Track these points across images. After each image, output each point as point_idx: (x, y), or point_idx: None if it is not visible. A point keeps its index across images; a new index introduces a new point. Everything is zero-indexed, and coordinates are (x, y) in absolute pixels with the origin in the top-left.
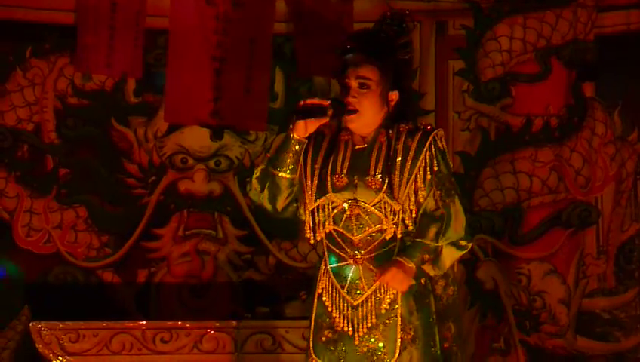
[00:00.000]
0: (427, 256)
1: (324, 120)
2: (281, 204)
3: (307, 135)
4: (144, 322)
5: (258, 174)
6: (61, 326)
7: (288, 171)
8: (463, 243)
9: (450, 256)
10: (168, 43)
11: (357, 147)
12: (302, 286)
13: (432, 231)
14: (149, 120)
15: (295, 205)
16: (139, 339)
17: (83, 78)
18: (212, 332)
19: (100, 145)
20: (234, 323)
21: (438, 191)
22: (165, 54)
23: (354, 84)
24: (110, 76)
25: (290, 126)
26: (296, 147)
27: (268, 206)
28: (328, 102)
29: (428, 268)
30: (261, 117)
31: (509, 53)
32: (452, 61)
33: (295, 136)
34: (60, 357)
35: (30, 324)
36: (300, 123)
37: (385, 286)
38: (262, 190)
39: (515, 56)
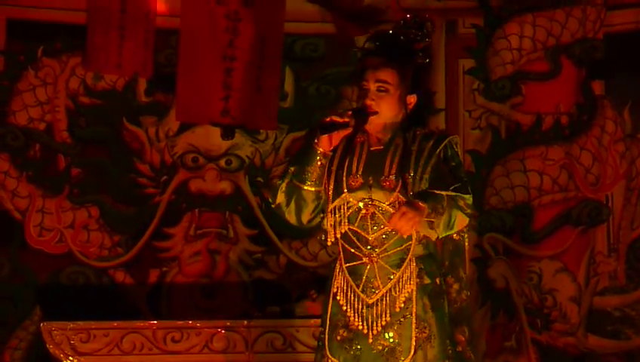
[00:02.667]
0: (440, 206)
1: (347, 130)
2: (307, 216)
3: (332, 148)
4: (155, 322)
5: (284, 188)
6: (72, 326)
7: (314, 184)
8: (467, 209)
9: (451, 216)
10: (179, 42)
11: (372, 148)
12: (312, 286)
13: (441, 188)
14: (160, 119)
15: (321, 216)
16: (149, 339)
17: (94, 77)
18: (223, 331)
19: (112, 145)
20: (245, 322)
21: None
22: (176, 54)
23: (373, 87)
24: (121, 76)
25: (315, 140)
26: (322, 160)
27: (293, 219)
28: (349, 112)
29: (438, 226)
30: (272, 116)
31: (519, 52)
32: (462, 60)
33: (320, 150)
34: (70, 357)
35: (41, 324)
36: (325, 137)
37: (400, 284)
38: (288, 204)
39: (525, 55)
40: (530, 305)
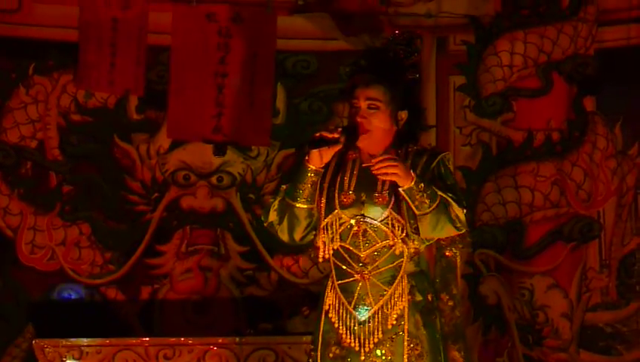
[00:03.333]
0: (431, 192)
1: (338, 147)
2: (299, 234)
3: (323, 165)
4: (147, 338)
5: (277, 206)
6: (64, 343)
7: (306, 202)
8: (458, 223)
9: (438, 219)
10: (170, 59)
11: (364, 165)
12: (304, 302)
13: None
14: (151, 136)
15: (313, 233)
16: (142, 356)
17: (85, 95)
18: (215, 348)
19: (103, 162)
20: (237, 339)
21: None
22: (167, 71)
23: (363, 104)
24: (112, 93)
25: (306, 157)
26: (313, 177)
27: (286, 237)
28: (340, 129)
29: (422, 211)
30: (264, 132)
31: (510, 68)
32: (453, 76)
33: (312, 166)
34: None
35: (34, 342)
36: (315, 153)
37: (392, 301)
38: (280, 222)
39: (516, 71)
40: (522, 321)
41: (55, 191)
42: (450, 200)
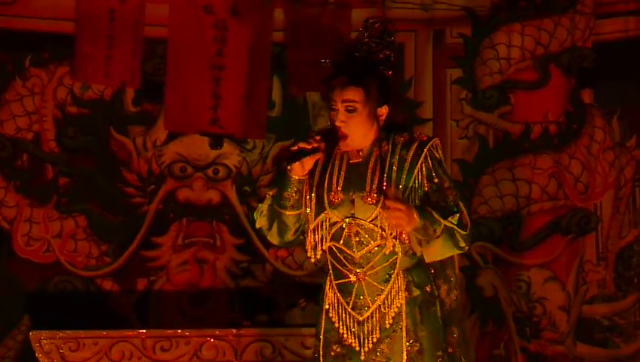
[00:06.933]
0: (431, 228)
1: (319, 155)
2: (290, 237)
3: (306, 172)
4: (144, 330)
5: (265, 212)
6: (61, 335)
7: (294, 208)
8: (462, 243)
9: (443, 247)
10: (167, 52)
11: (352, 161)
12: (301, 294)
13: (439, 212)
14: (147, 129)
15: (302, 236)
16: (138, 348)
17: (82, 87)
18: (212, 340)
19: (99, 155)
20: (234, 331)
21: (443, 204)
22: (164, 63)
23: (341, 107)
24: (109, 85)
25: (288, 168)
26: (299, 185)
27: (276, 241)
28: (318, 137)
29: (416, 246)
30: (260, 125)
31: (507, 61)
32: (450, 69)
33: (295, 176)
34: None
35: (30, 333)
36: (296, 164)
37: (388, 300)
38: (270, 228)
39: (513, 64)
40: (519, 314)
41: (51, 184)
42: (453, 226)
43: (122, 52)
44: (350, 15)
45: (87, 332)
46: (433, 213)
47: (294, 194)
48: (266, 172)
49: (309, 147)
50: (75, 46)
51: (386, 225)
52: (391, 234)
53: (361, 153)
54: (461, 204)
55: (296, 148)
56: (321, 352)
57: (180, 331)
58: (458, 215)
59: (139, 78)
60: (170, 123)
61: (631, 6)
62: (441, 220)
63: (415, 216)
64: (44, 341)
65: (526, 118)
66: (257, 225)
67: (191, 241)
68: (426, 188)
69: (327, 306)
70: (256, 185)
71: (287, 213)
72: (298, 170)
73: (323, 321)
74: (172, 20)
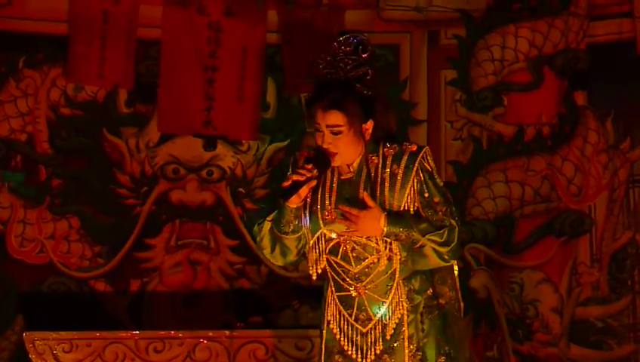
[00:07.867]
0: (404, 235)
1: (313, 183)
2: (292, 258)
3: (302, 200)
4: (137, 332)
5: (268, 235)
6: (54, 336)
7: (294, 233)
8: (446, 257)
9: (426, 259)
10: (160, 53)
11: (343, 177)
12: (295, 296)
13: (423, 225)
14: (140, 130)
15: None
16: (132, 349)
17: (75, 88)
18: (205, 341)
19: (93, 156)
20: (227, 332)
21: (433, 219)
22: (157, 65)
23: (326, 131)
24: (102, 87)
25: (284, 200)
26: (297, 212)
27: (280, 261)
28: (309, 166)
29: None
30: (253, 126)
31: (501, 63)
32: (444, 71)
33: (292, 206)
34: None
35: (24, 334)
36: (293, 197)
37: (389, 311)
38: (272, 251)
39: (507, 66)
40: (512, 316)
41: (44, 185)
42: (433, 244)
43: (116, 53)
44: (344, 17)
45: (80, 333)
46: (413, 224)
47: (293, 220)
48: (261, 173)
49: (303, 179)
50: (69, 47)
51: (380, 240)
52: (385, 248)
53: (351, 168)
54: (452, 221)
55: (289, 183)
56: (322, 361)
57: (173, 332)
58: (445, 231)
59: (132, 80)
60: (164, 124)
61: (624, 8)
62: (420, 236)
63: (381, 223)
64: (38, 342)
65: (520, 119)
66: (261, 248)
67: (184, 243)
68: (417, 204)
69: (329, 318)
70: (251, 186)
71: (288, 237)
72: (295, 201)
73: (325, 332)
74: (165, 22)
